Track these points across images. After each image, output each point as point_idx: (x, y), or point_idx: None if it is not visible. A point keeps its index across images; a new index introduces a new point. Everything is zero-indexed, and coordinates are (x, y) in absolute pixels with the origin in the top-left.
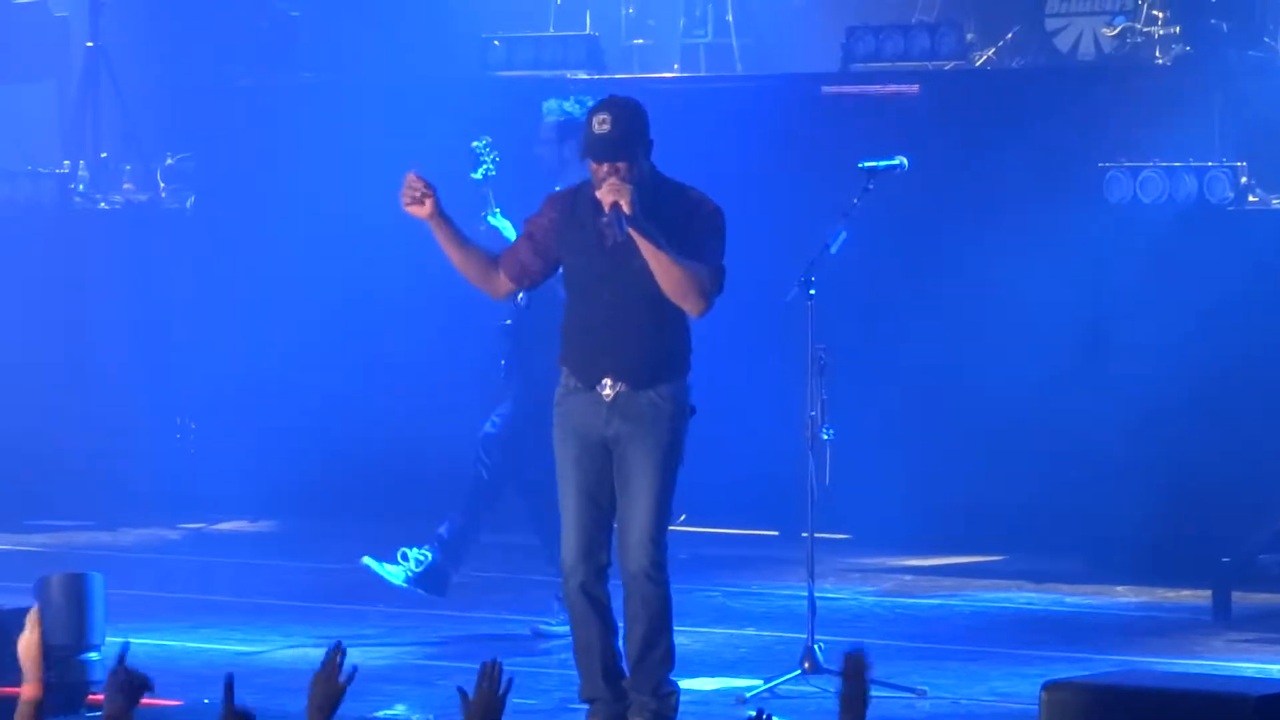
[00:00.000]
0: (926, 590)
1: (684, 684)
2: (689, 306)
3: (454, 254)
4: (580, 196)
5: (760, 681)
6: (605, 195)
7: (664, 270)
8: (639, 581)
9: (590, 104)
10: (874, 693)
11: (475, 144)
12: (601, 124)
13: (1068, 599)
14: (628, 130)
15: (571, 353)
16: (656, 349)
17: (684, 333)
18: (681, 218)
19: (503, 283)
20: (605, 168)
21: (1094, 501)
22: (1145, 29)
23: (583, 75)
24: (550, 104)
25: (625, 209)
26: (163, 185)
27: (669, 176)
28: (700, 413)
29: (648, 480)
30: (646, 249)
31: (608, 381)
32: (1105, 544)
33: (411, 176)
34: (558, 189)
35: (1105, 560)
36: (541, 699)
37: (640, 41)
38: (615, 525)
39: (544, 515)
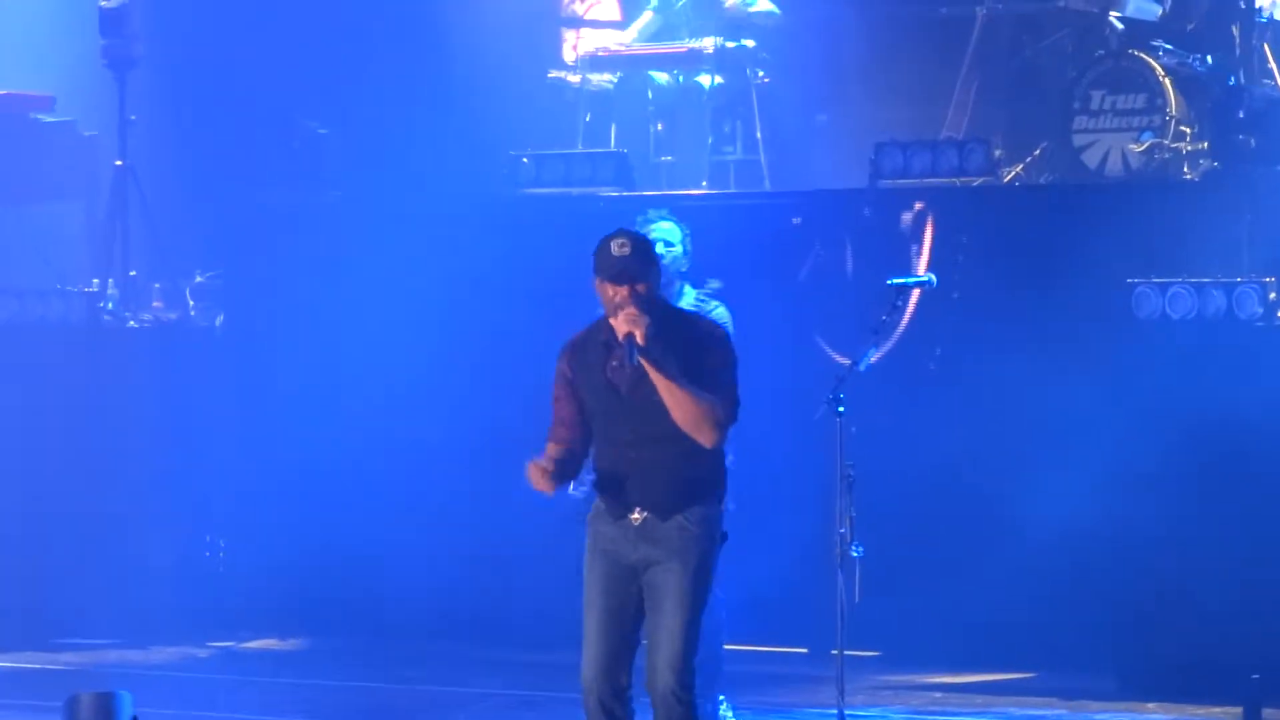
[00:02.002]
0: (957, 707)
1: None
2: (702, 438)
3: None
4: (588, 339)
5: None
6: (621, 325)
7: (676, 402)
8: (667, 703)
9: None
10: None
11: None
12: (621, 247)
13: (1097, 716)
14: (646, 256)
15: (602, 481)
16: (681, 480)
17: (713, 460)
18: (694, 347)
19: (581, 456)
20: (623, 291)
21: (1123, 618)
22: (1173, 145)
23: (612, 192)
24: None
25: (640, 339)
26: (192, 303)
27: (677, 306)
28: (730, 531)
29: (676, 602)
30: (659, 381)
31: (636, 510)
32: (1135, 661)
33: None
34: (568, 341)
35: (1135, 677)
36: None
37: (668, 158)
38: (644, 643)
39: None
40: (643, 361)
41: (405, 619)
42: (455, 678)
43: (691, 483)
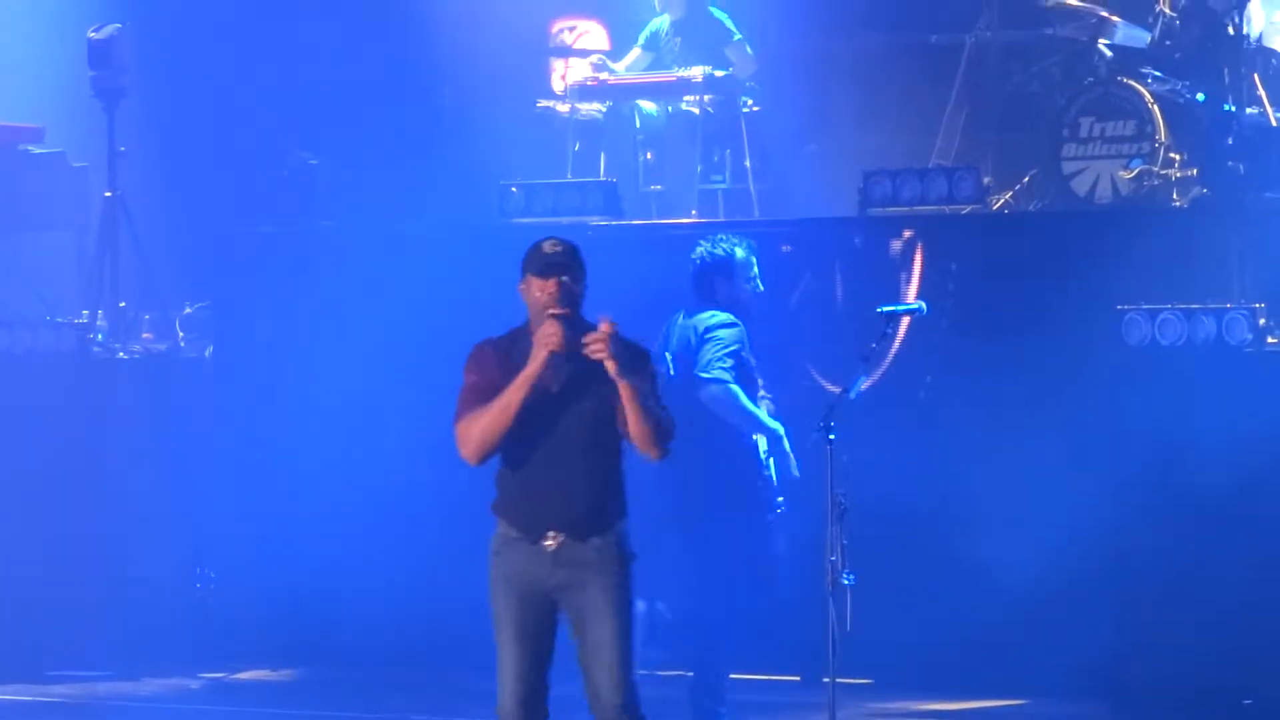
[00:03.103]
0: None
1: None
2: (655, 452)
3: (513, 415)
4: (513, 345)
5: None
6: (540, 344)
7: (639, 413)
8: None
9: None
10: None
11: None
12: (554, 246)
13: None
14: (576, 257)
15: (511, 504)
16: (597, 497)
17: (620, 477)
18: (621, 365)
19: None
20: (551, 285)
21: (1116, 644)
22: (1162, 172)
23: (601, 221)
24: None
25: (556, 348)
26: (181, 334)
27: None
28: (720, 557)
29: (609, 623)
30: (627, 392)
31: (550, 534)
32: (1128, 687)
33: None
34: (490, 339)
35: (1128, 703)
36: None
37: (658, 187)
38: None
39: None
40: (610, 366)
41: (397, 649)
42: (449, 707)
43: (605, 501)
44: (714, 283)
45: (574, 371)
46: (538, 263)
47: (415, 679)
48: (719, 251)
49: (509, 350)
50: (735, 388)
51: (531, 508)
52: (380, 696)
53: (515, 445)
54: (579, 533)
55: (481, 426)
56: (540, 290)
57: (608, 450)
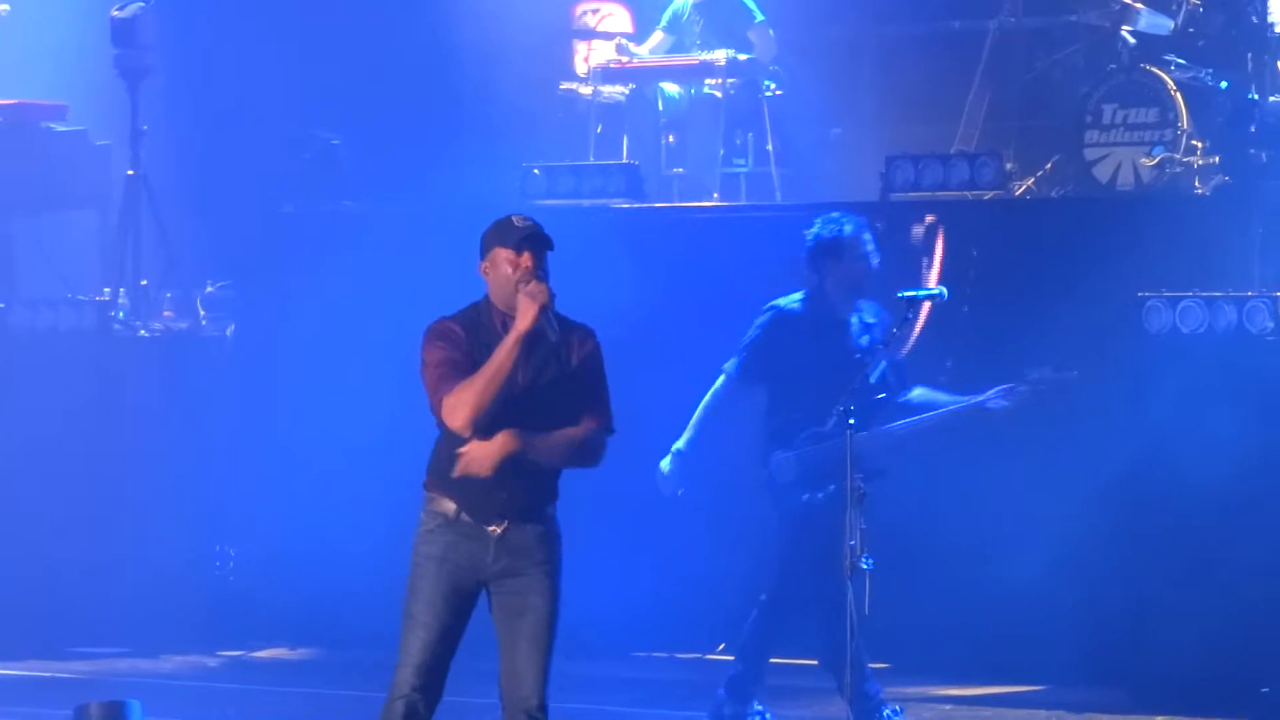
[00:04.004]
0: (966, 719)
1: None
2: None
3: (506, 374)
4: (474, 322)
5: None
6: (530, 300)
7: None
8: (533, 716)
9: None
10: None
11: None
12: (524, 221)
13: None
14: (544, 234)
15: (458, 485)
16: (544, 485)
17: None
18: (570, 350)
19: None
20: (526, 259)
21: (1134, 631)
22: (1184, 159)
23: (623, 204)
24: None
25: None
26: (203, 313)
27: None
28: (740, 542)
29: (543, 612)
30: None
31: (497, 519)
32: (1145, 673)
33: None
34: (448, 317)
35: (1145, 690)
36: None
37: (679, 170)
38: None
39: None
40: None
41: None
42: (466, 688)
43: (548, 488)
44: (823, 263)
45: (533, 352)
46: (512, 236)
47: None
48: (825, 232)
49: (470, 328)
50: (719, 380)
51: (484, 492)
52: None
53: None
54: (525, 517)
55: (477, 392)
56: (511, 264)
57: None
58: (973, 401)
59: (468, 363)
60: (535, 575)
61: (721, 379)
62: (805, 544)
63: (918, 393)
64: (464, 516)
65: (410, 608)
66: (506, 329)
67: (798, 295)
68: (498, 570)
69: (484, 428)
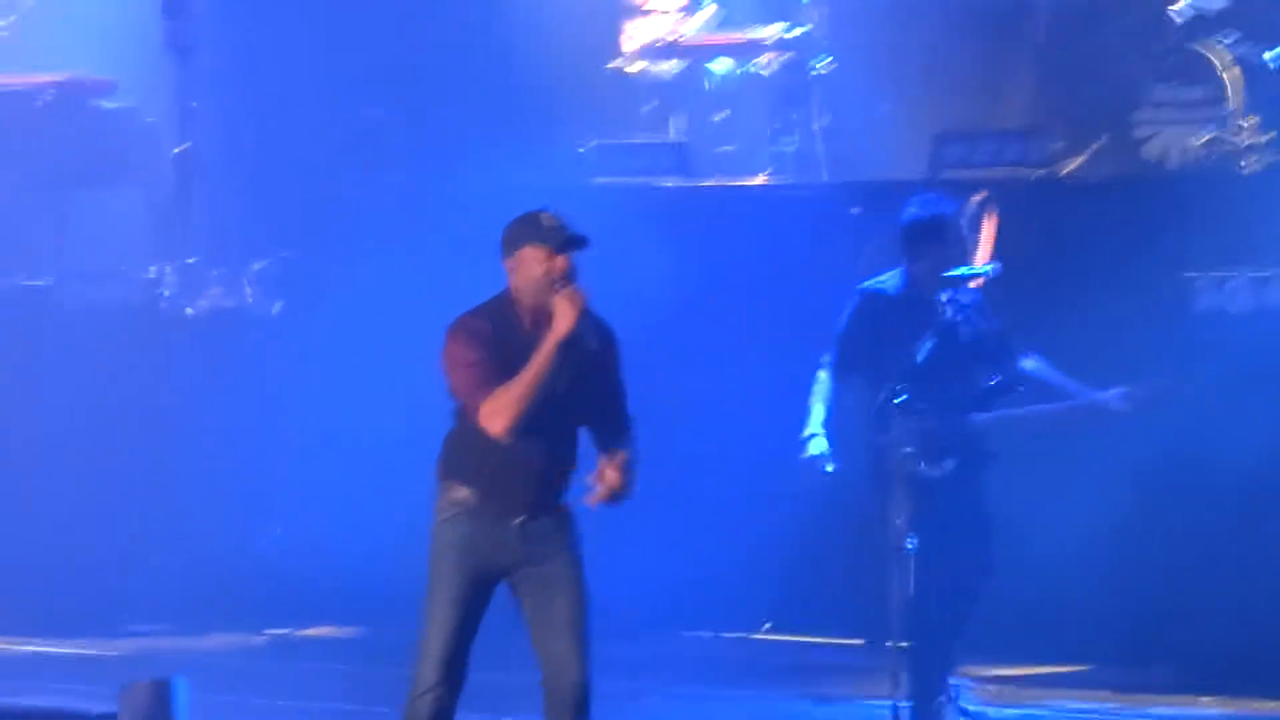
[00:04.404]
0: (1012, 700)
1: None
2: None
3: (546, 378)
4: (500, 319)
5: None
6: (569, 303)
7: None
8: (577, 702)
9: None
10: None
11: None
12: (551, 219)
13: (1152, 709)
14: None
15: (484, 476)
16: (565, 476)
17: (574, 463)
18: (600, 348)
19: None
20: (563, 262)
21: (1179, 611)
22: (1233, 138)
23: (671, 182)
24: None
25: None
26: (250, 290)
27: None
28: (787, 521)
29: (574, 595)
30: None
31: (523, 510)
32: (1190, 654)
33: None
34: (471, 314)
35: (1190, 670)
36: None
37: (728, 148)
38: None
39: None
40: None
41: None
42: (510, 665)
43: (569, 476)
44: (920, 245)
45: (569, 358)
46: (549, 237)
47: (480, 639)
48: (924, 213)
49: (496, 325)
50: (820, 374)
51: (511, 483)
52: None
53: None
54: (546, 509)
55: (516, 398)
56: (543, 264)
57: (577, 431)
58: (1095, 398)
59: (498, 362)
60: (560, 561)
61: (823, 374)
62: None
63: (1031, 364)
64: (488, 506)
65: (431, 599)
66: (536, 327)
67: (886, 277)
68: (521, 558)
69: (521, 431)
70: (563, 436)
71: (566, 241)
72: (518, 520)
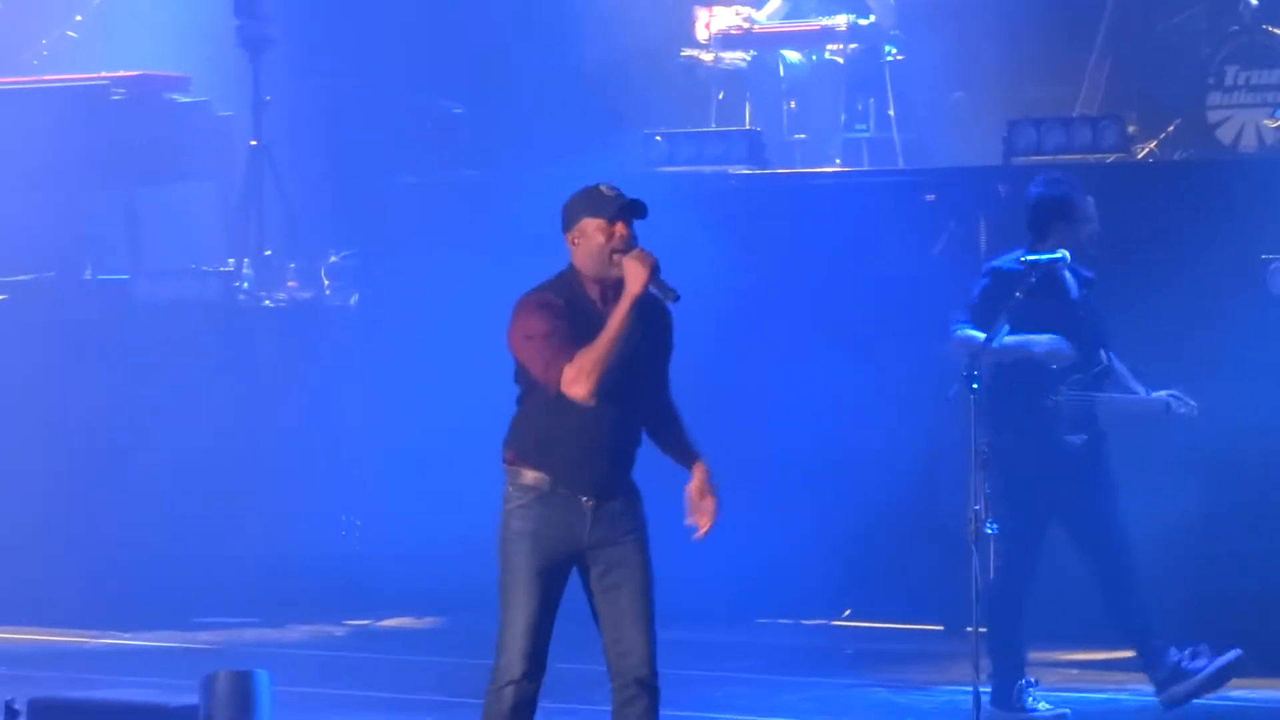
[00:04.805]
0: (1093, 684)
1: None
2: None
3: (624, 339)
4: (570, 294)
5: None
6: (640, 265)
7: None
8: (641, 686)
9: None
10: None
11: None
12: (610, 190)
13: (1233, 693)
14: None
15: (556, 457)
16: (633, 456)
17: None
18: (663, 326)
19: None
20: (623, 229)
21: (1259, 594)
22: None
23: (744, 170)
24: None
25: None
26: (327, 282)
27: None
28: (864, 508)
29: (642, 578)
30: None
31: (594, 490)
32: (1271, 637)
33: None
34: (541, 288)
35: (1271, 654)
36: None
37: (801, 136)
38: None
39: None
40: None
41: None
42: (589, 656)
43: (635, 455)
44: (1049, 223)
45: (642, 321)
46: (607, 206)
47: (558, 629)
48: (1053, 191)
49: (563, 298)
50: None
51: (582, 463)
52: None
53: (568, 407)
54: (616, 490)
55: (597, 359)
56: (604, 233)
57: (651, 409)
58: (1157, 398)
59: (575, 332)
60: (627, 544)
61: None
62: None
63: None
64: (559, 489)
65: (508, 588)
66: (605, 298)
67: (1013, 256)
68: (592, 541)
69: (572, 404)
70: (631, 411)
71: (623, 208)
72: (589, 502)
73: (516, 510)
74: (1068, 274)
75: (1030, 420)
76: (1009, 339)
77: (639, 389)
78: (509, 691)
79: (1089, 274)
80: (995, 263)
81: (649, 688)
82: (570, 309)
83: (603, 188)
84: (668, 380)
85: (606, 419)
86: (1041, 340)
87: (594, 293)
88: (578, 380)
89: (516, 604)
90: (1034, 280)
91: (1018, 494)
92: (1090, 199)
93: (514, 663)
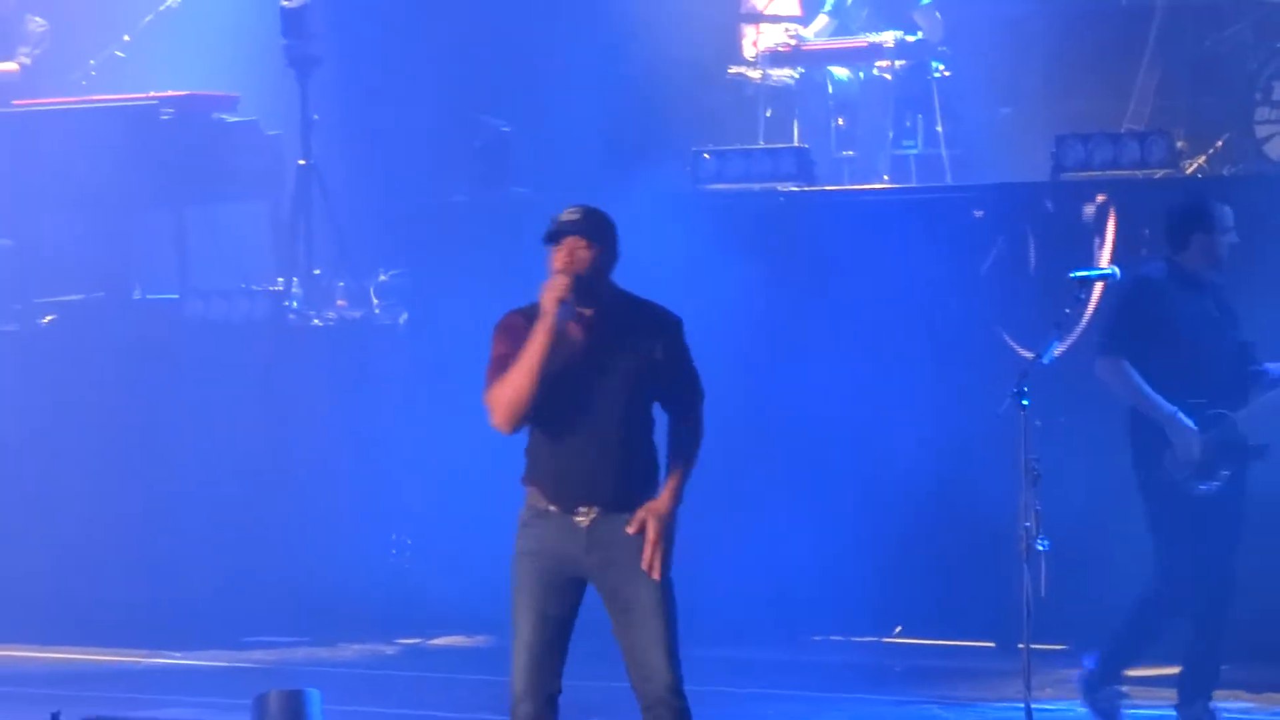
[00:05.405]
0: (1145, 700)
1: None
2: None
3: (538, 371)
4: (536, 312)
5: None
6: (546, 294)
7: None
8: (666, 708)
9: None
10: None
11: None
12: (567, 214)
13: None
14: (593, 223)
15: (542, 475)
16: (630, 468)
17: (654, 447)
18: (645, 335)
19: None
20: (560, 252)
21: None
22: None
23: (793, 187)
24: None
25: (562, 296)
26: (376, 301)
27: (629, 292)
28: (914, 524)
29: (655, 601)
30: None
31: (583, 508)
32: None
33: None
34: (517, 309)
35: None
36: None
37: (849, 153)
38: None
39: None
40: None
41: (590, 616)
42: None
43: (640, 473)
44: (1188, 235)
45: (603, 338)
46: (547, 231)
47: (610, 647)
48: (1192, 203)
49: (528, 319)
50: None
51: (563, 479)
52: (574, 664)
53: (547, 413)
54: (614, 506)
55: (507, 390)
56: (551, 258)
57: (639, 419)
58: None
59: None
60: (630, 566)
61: (1121, 361)
62: (1195, 542)
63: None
64: (552, 508)
65: (514, 609)
66: (581, 319)
67: (1154, 267)
68: (593, 563)
69: (548, 420)
70: (606, 426)
71: (550, 234)
72: (582, 519)
73: (522, 530)
74: (1212, 290)
75: (1161, 464)
76: (1146, 388)
77: (610, 403)
78: (518, 712)
79: (1219, 280)
80: (1136, 273)
81: (674, 708)
82: (529, 330)
83: (565, 211)
84: (675, 386)
85: (580, 435)
86: (1167, 411)
87: (582, 312)
88: (492, 412)
89: (519, 625)
90: (1081, 295)
91: (1165, 524)
92: (1227, 209)
93: (518, 682)
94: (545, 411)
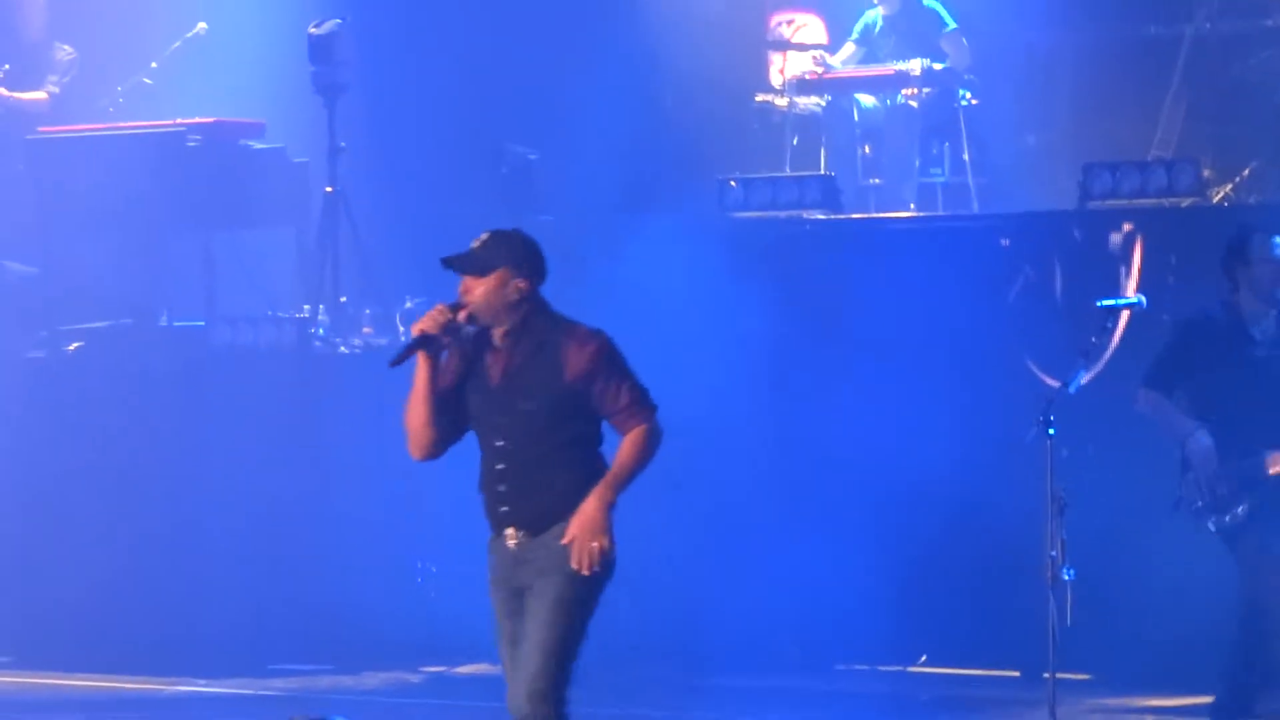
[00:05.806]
0: None
1: None
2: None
3: (421, 402)
4: (475, 343)
5: None
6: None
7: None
8: (519, 717)
9: None
10: None
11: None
12: (476, 242)
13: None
14: (494, 247)
15: (484, 502)
16: (554, 493)
17: (583, 471)
18: (570, 356)
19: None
20: (461, 284)
21: None
22: None
23: (819, 215)
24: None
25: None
26: (402, 329)
27: (557, 314)
28: (940, 553)
29: (540, 627)
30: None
31: (509, 531)
32: None
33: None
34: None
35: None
36: None
37: (876, 181)
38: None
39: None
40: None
41: (617, 645)
42: (667, 703)
43: (561, 498)
44: (1233, 269)
45: (518, 364)
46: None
47: (638, 676)
48: (1234, 237)
49: (478, 345)
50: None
51: (492, 504)
52: (601, 693)
53: (480, 441)
54: (535, 529)
55: (407, 422)
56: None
57: (563, 440)
58: None
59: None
60: (544, 572)
61: (1151, 392)
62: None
63: None
64: (492, 533)
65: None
66: (503, 344)
67: (1209, 307)
68: (526, 583)
69: (481, 448)
70: (526, 450)
71: (448, 263)
72: (512, 541)
73: (488, 558)
74: (1252, 322)
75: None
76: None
77: (526, 428)
78: None
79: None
80: (1192, 310)
81: (525, 717)
82: (477, 356)
83: (474, 241)
84: (624, 402)
85: (501, 461)
86: (1189, 426)
87: (497, 337)
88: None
89: (499, 646)
90: (1108, 324)
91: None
92: (1264, 237)
93: (509, 701)
94: (480, 440)
